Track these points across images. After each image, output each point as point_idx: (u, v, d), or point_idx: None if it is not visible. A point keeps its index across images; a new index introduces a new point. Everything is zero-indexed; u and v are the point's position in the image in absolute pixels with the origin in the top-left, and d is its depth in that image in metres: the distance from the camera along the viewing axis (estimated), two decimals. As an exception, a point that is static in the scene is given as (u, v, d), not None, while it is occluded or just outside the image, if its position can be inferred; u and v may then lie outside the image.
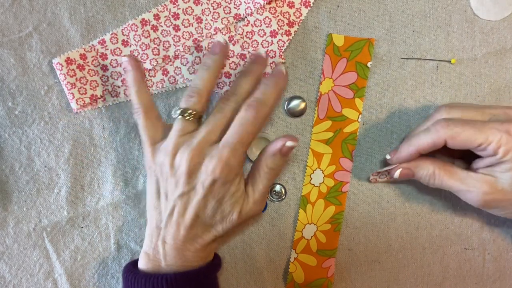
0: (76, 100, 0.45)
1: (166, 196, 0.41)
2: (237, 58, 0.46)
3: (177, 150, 0.40)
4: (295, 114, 0.47)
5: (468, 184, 0.41)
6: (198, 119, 0.42)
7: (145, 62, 0.46)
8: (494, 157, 0.39)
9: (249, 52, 0.46)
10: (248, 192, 0.42)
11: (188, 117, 0.41)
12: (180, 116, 0.41)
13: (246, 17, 0.46)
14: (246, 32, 0.46)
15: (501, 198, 0.40)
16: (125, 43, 0.46)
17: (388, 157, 0.44)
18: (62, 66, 0.44)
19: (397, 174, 0.44)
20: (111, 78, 0.46)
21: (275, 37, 0.46)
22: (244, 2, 0.45)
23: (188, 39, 0.46)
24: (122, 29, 0.45)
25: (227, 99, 0.41)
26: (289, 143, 0.41)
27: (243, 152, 0.40)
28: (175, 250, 0.41)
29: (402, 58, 0.47)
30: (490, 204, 0.41)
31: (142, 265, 0.43)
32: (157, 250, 0.42)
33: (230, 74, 0.46)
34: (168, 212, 0.41)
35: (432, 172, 0.42)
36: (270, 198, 0.48)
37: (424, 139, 0.41)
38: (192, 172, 0.40)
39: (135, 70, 0.43)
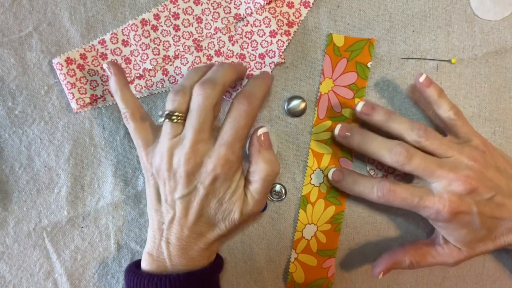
0: (76, 100, 0.45)
1: (166, 199, 0.41)
2: (237, 58, 0.46)
3: (172, 154, 0.40)
4: (295, 114, 0.47)
5: (442, 258, 0.43)
6: (186, 119, 0.41)
7: (145, 62, 0.46)
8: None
9: (248, 52, 0.46)
10: (247, 194, 0.42)
11: (176, 120, 0.40)
12: (167, 120, 0.41)
13: (245, 17, 0.46)
14: (246, 32, 0.46)
15: (473, 252, 0.43)
16: (125, 43, 0.46)
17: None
18: (62, 66, 0.45)
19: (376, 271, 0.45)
20: (111, 78, 0.46)
21: (274, 37, 0.46)
22: (244, 2, 0.45)
23: (188, 39, 0.46)
24: (122, 29, 0.45)
25: (207, 97, 0.40)
26: (261, 131, 0.42)
27: (240, 147, 0.40)
28: (180, 250, 0.41)
29: (402, 58, 0.47)
30: (467, 258, 0.43)
31: (145, 265, 0.42)
32: (161, 250, 0.42)
33: (230, 74, 0.46)
34: (171, 214, 0.41)
35: (409, 263, 0.44)
36: (270, 198, 0.48)
37: (367, 194, 0.43)
38: (191, 174, 0.40)
39: (117, 75, 0.42)
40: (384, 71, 0.47)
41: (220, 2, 0.46)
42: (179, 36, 0.46)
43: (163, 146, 0.40)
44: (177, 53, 0.46)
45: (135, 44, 0.45)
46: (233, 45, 0.46)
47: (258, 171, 0.41)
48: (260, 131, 0.42)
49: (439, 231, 0.44)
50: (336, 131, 0.44)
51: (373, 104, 0.44)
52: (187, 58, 0.46)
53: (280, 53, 0.46)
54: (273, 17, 0.45)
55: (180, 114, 0.40)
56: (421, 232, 0.49)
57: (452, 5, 0.47)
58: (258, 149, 0.41)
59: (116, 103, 0.46)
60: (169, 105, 0.41)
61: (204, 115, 0.40)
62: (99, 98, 0.46)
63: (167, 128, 0.41)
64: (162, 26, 0.46)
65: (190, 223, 0.41)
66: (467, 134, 0.43)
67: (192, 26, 0.46)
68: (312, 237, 0.48)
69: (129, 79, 0.46)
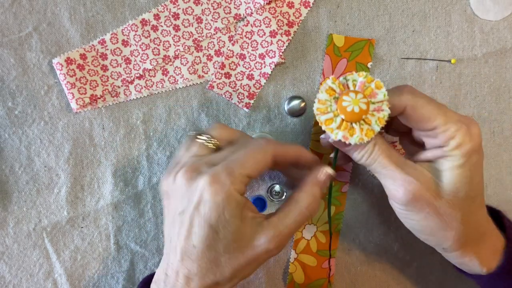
0: (76, 100, 0.45)
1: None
2: (237, 58, 0.46)
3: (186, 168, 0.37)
4: (295, 114, 0.47)
5: (404, 172, 0.36)
6: (214, 151, 0.39)
7: (145, 62, 0.46)
8: (441, 149, 0.35)
9: (248, 52, 0.46)
10: (272, 221, 0.36)
11: (212, 145, 0.38)
12: (203, 140, 0.38)
13: (246, 17, 0.46)
14: (246, 32, 0.46)
15: (428, 201, 0.35)
16: (125, 43, 0.46)
17: None
18: (62, 66, 0.45)
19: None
20: (111, 78, 0.46)
21: (274, 37, 0.46)
22: (244, 2, 0.45)
23: (188, 39, 0.46)
24: (122, 29, 0.45)
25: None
26: (330, 171, 0.39)
27: (242, 180, 0.35)
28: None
29: (402, 58, 0.47)
30: (415, 203, 0.36)
31: None
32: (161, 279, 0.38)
33: (230, 75, 0.46)
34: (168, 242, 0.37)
35: (370, 147, 0.36)
36: (270, 198, 0.48)
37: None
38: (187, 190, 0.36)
39: None
40: (384, 71, 0.47)
41: (220, 2, 0.46)
42: (179, 36, 0.46)
43: (185, 161, 0.38)
44: (177, 53, 0.46)
45: (135, 44, 0.45)
46: (233, 45, 0.46)
47: (301, 200, 0.37)
48: (330, 170, 0.39)
49: None
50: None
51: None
52: (187, 58, 0.46)
53: (280, 53, 0.46)
54: (273, 17, 0.45)
55: (217, 143, 0.39)
56: (421, 232, 0.49)
57: (452, 5, 0.47)
58: (318, 182, 0.38)
59: (116, 103, 0.46)
60: (212, 132, 0.39)
61: (247, 156, 0.36)
62: (99, 98, 0.46)
63: (195, 146, 0.38)
64: (162, 26, 0.46)
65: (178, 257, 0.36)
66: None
67: (192, 26, 0.46)
68: (312, 237, 0.48)
69: (129, 79, 0.46)
